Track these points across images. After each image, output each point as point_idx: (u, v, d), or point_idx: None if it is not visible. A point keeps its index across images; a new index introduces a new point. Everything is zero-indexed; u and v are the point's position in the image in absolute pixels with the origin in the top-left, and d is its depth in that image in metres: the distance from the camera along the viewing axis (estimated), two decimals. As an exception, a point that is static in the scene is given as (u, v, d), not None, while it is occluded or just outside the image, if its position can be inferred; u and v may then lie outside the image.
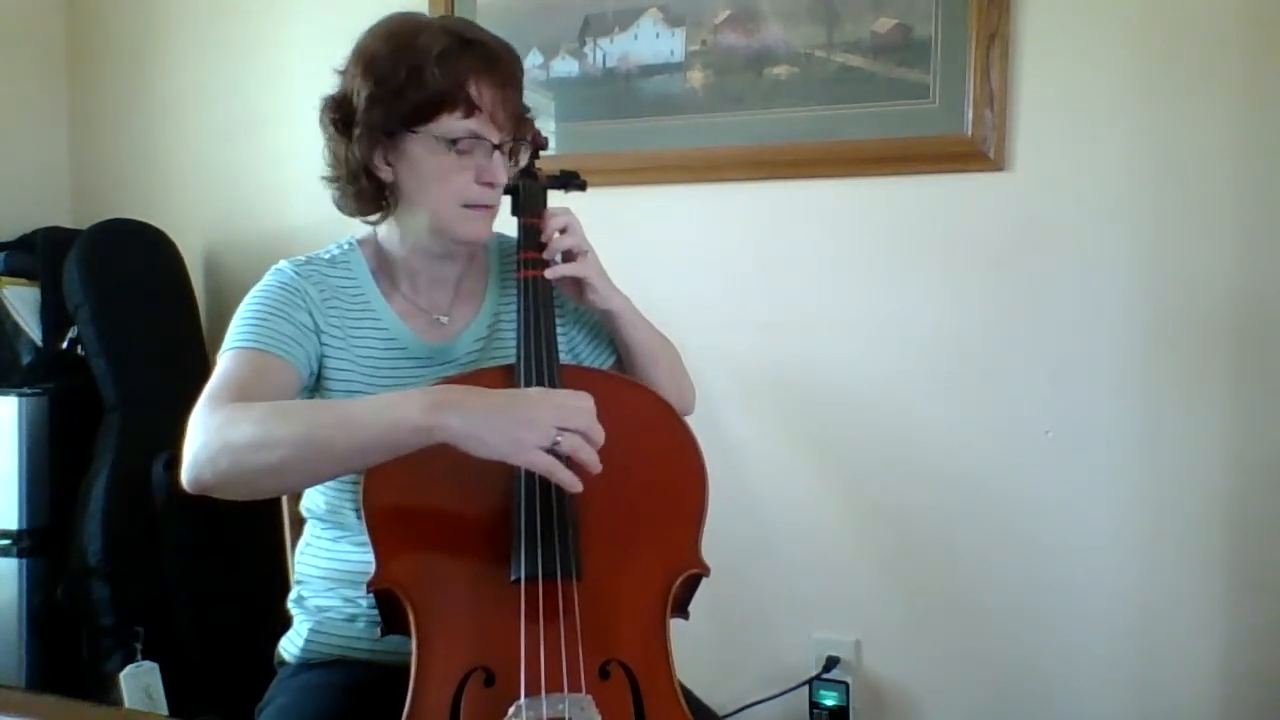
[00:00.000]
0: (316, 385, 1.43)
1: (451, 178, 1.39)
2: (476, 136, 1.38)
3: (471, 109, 1.37)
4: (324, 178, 1.48)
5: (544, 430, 1.15)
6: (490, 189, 1.40)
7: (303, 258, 1.49)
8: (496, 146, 1.39)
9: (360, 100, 1.38)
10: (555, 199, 1.58)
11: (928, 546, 2.27)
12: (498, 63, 1.40)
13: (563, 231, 1.48)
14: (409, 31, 1.39)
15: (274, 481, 1.23)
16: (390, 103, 1.37)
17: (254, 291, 1.43)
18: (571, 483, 1.17)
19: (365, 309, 1.47)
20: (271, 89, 2.79)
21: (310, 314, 1.41)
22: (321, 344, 1.42)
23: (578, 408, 1.18)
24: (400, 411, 1.15)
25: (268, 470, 1.19)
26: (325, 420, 1.19)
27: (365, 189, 1.44)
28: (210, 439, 1.20)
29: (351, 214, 1.50)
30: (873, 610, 2.33)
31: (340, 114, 1.41)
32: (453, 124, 1.37)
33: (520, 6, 2.52)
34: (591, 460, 1.17)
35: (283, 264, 1.47)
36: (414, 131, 1.37)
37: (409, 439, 1.15)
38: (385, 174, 1.42)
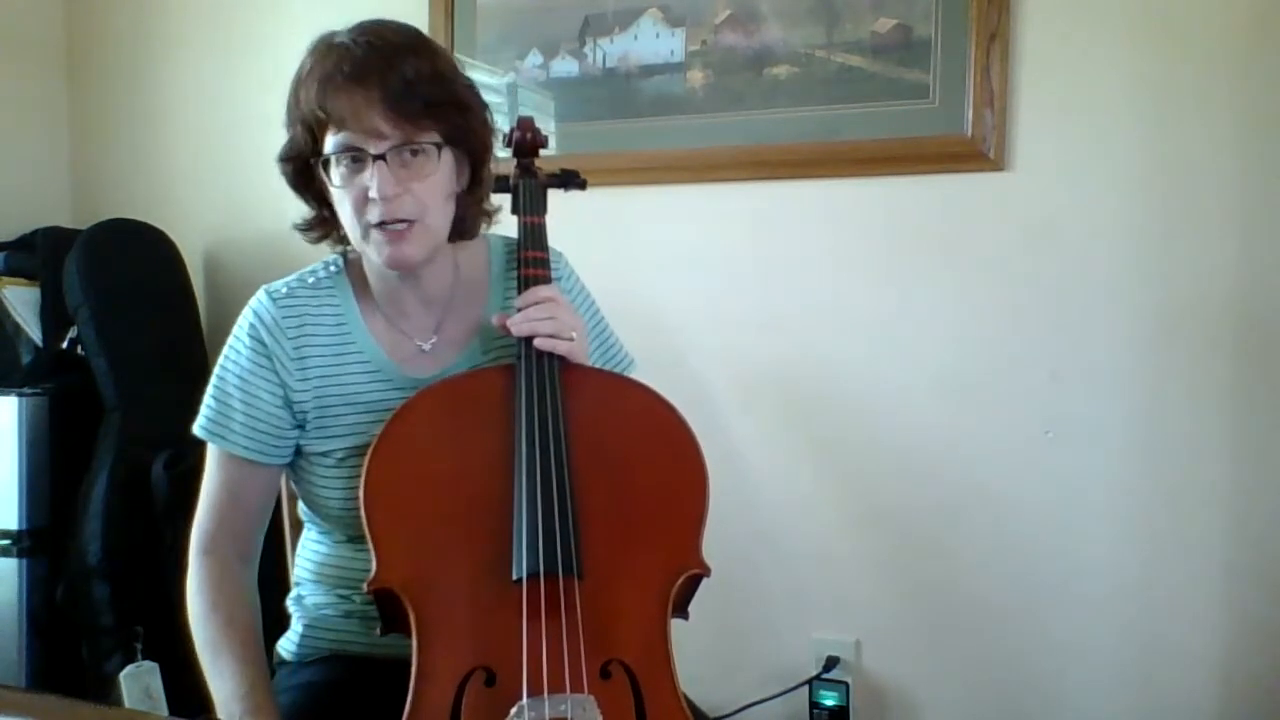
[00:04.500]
0: (307, 423, 1.40)
1: (345, 200, 1.30)
2: (349, 149, 1.27)
3: (338, 123, 1.26)
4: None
5: None
6: (385, 204, 1.27)
7: (284, 288, 1.42)
8: (379, 157, 1.26)
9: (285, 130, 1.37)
10: (555, 197, 1.57)
11: (927, 546, 2.27)
12: (355, 65, 1.26)
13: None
14: (306, 52, 1.33)
15: None
16: (291, 131, 1.34)
17: (229, 345, 1.41)
18: None
19: (346, 341, 1.41)
20: (271, 89, 2.72)
21: (279, 376, 1.38)
22: (294, 403, 1.38)
23: None
24: (220, 698, 1.29)
25: None
26: (208, 673, 1.32)
27: (314, 219, 1.41)
28: (189, 605, 1.37)
29: (318, 243, 1.45)
30: (873, 610, 2.33)
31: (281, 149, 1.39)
32: (328, 142, 1.28)
33: (520, 6, 2.52)
34: None
35: (261, 299, 1.41)
36: (317, 158, 1.32)
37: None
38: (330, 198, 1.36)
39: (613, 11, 2.44)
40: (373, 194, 1.26)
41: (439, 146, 1.31)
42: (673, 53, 2.40)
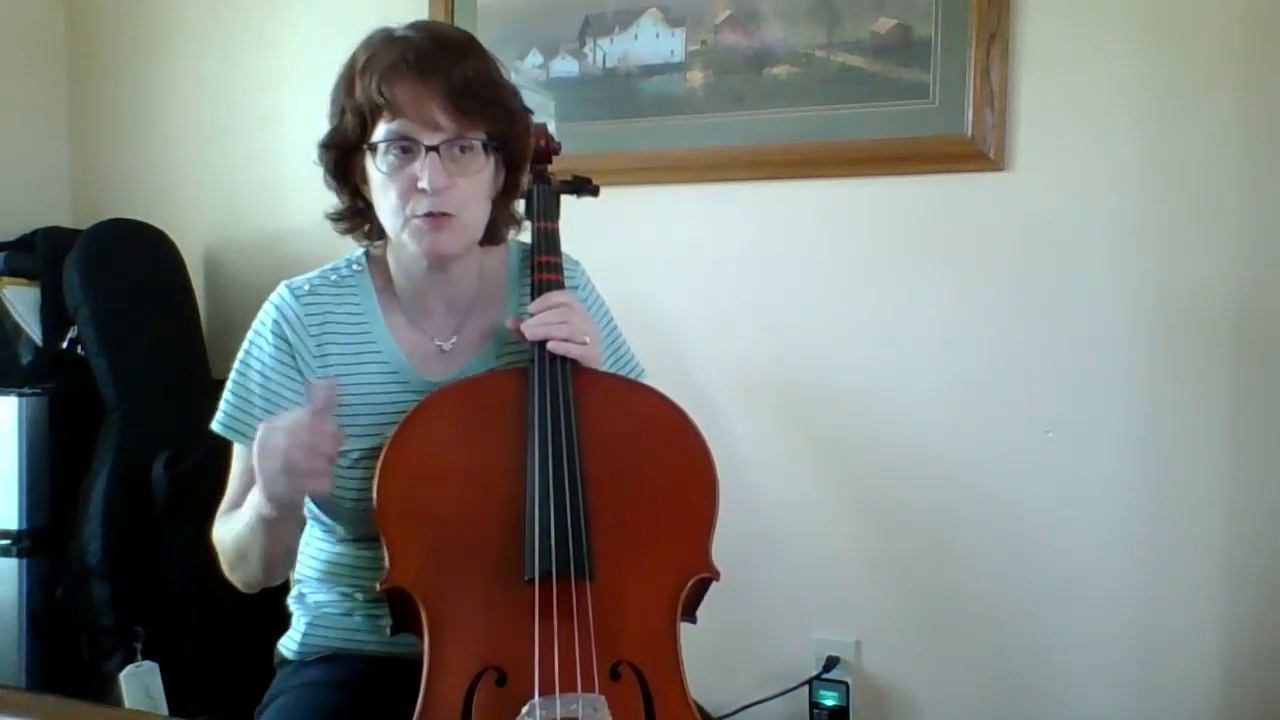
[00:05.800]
0: None
1: (390, 188, 1.31)
2: (402, 138, 1.29)
3: (395, 111, 1.29)
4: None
5: (281, 462, 1.19)
6: (433, 196, 1.29)
7: (306, 284, 1.44)
8: (432, 148, 1.29)
9: (328, 120, 1.38)
10: (568, 202, 1.58)
11: (928, 546, 2.28)
12: (419, 57, 1.29)
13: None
14: (359, 45, 1.35)
15: (266, 574, 1.37)
16: (338, 119, 1.36)
17: (250, 340, 1.42)
18: None
19: (366, 340, 1.42)
20: (271, 89, 2.79)
21: (302, 374, 1.39)
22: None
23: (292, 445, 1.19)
24: (257, 508, 1.27)
25: (253, 574, 1.37)
26: (240, 532, 1.33)
27: (347, 209, 1.42)
28: (221, 563, 1.40)
29: (347, 235, 1.46)
30: (873, 610, 2.33)
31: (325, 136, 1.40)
32: (380, 129, 1.30)
33: (520, 6, 2.53)
34: None
35: (284, 294, 1.42)
36: (362, 146, 1.33)
37: (271, 520, 1.26)
38: (366, 192, 1.38)
39: (613, 11, 2.45)
40: (423, 184, 1.28)
41: (487, 146, 1.34)
42: (673, 53, 2.41)
